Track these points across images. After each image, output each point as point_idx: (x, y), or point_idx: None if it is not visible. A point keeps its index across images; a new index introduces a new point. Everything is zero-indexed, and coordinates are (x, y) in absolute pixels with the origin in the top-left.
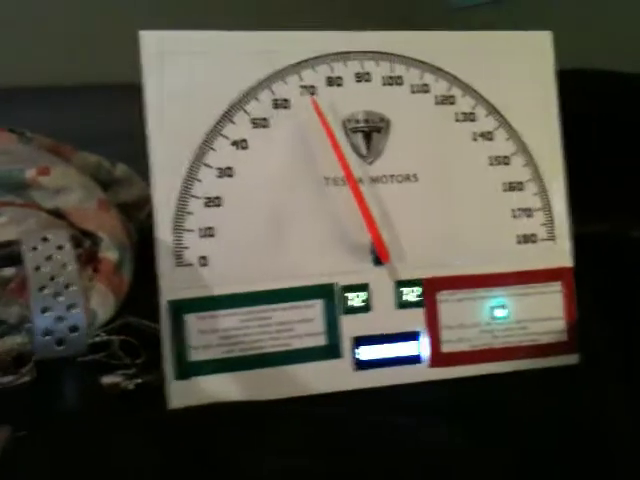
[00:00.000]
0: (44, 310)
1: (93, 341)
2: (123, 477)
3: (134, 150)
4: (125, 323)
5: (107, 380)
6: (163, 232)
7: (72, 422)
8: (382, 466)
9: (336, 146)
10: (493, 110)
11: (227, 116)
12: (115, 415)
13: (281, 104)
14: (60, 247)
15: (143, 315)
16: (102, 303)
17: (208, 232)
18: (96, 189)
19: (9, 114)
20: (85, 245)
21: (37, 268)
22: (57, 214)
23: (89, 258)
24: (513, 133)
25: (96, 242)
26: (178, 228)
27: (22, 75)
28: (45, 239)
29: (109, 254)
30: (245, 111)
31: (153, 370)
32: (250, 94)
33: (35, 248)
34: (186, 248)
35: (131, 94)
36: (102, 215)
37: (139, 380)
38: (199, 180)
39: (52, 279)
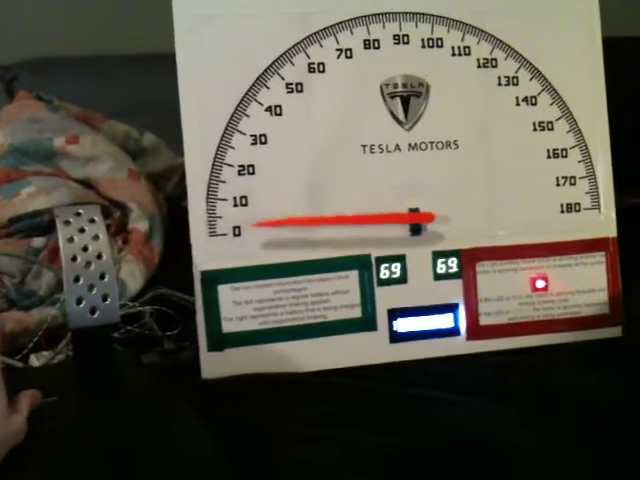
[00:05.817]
0: (76, 279)
1: (125, 312)
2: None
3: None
4: (158, 295)
5: (146, 360)
6: (196, 201)
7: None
8: (419, 442)
9: None
10: (537, 73)
11: (261, 81)
12: (153, 385)
13: (317, 68)
14: (92, 220)
15: (177, 287)
16: (132, 274)
17: (242, 201)
18: (126, 159)
19: (49, 83)
20: (115, 215)
21: (70, 239)
22: (86, 184)
23: (119, 229)
24: (557, 97)
25: (126, 213)
26: (211, 197)
27: (63, 45)
28: (78, 214)
29: (139, 225)
30: (280, 75)
31: (187, 343)
32: (285, 58)
33: (68, 222)
34: (219, 217)
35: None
36: (132, 185)
37: (175, 355)
38: (232, 147)
39: (84, 250)
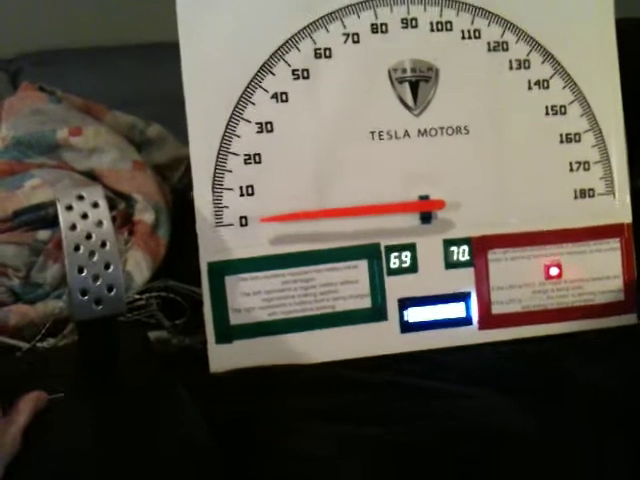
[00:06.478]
0: (80, 269)
1: (132, 305)
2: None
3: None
4: (165, 286)
5: (153, 335)
6: (202, 191)
7: (110, 385)
8: (423, 434)
9: None
10: (549, 56)
11: (267, 67)
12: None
13: (323, 54)
14: (95, 204)
15: (184, 280)
16: (138, 266)
17: (248, 190)
18: (131, 150)
19: (54, 75)
20: (120, 207)
21: (72, 227)
22: (91, 176)
23: (124, 221)
24: (570, 81)
25: (131, 204)
26: (217, 187)
27: (67, 36)
28: (80, 197)
29: (145, 216)
30: (285, 62)
31: (194, 334)
32: (290, 43)
33: (70, 207)
34: (226, 207)
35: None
36: (137, 176)
37: (185, 338)
38: (238, 136)
39: (88, 238)
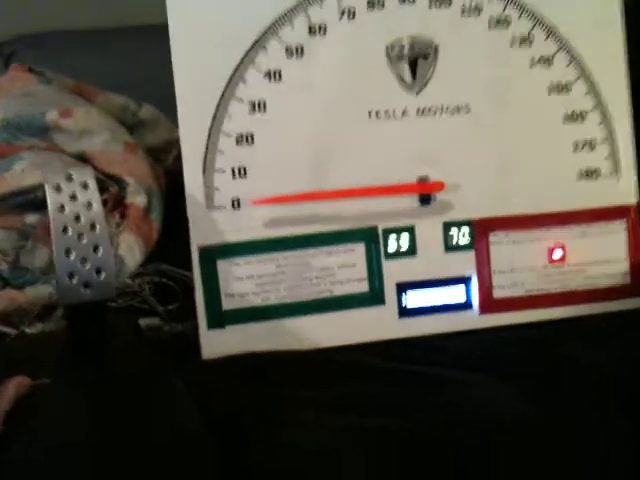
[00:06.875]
0: (67, 252)
1: (124, 290)
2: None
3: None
4: (157, 270)
5: (144, 322)
6: (192, 173)
7: (100, 371)
8: (421, 424)
9: None
10: (552, 32)
11: (259, 44)
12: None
13: (317, 30)
14: (85, 185)
15: (177, 264)
16: (131, 250)
17: (240, 172)
18: (122, 132)
19: (49, 57)
20: (111, 190)
21: (60, 208)
22: (82, 158)
23: (116, 204)
24: (574, 57)
25: (123, 187)
26: (208, 168)
27: (61, 18)
28: (69, 177)
29: (137, 199)
30: (279, 38)
31: (187, 320)
32: (284, 19)
33: (59, 187)
34: (217, 190)
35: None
36: (129, 158)
37: (177, 325)
38: (229, 115)
39: (76, 219)
